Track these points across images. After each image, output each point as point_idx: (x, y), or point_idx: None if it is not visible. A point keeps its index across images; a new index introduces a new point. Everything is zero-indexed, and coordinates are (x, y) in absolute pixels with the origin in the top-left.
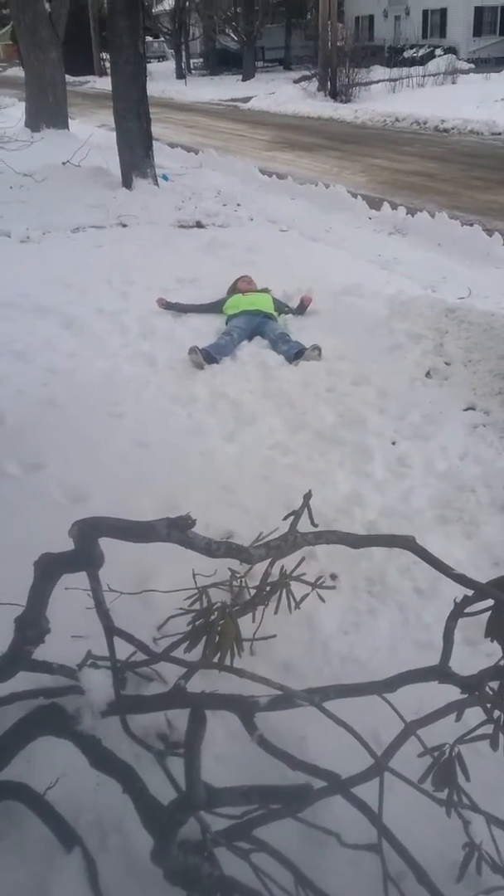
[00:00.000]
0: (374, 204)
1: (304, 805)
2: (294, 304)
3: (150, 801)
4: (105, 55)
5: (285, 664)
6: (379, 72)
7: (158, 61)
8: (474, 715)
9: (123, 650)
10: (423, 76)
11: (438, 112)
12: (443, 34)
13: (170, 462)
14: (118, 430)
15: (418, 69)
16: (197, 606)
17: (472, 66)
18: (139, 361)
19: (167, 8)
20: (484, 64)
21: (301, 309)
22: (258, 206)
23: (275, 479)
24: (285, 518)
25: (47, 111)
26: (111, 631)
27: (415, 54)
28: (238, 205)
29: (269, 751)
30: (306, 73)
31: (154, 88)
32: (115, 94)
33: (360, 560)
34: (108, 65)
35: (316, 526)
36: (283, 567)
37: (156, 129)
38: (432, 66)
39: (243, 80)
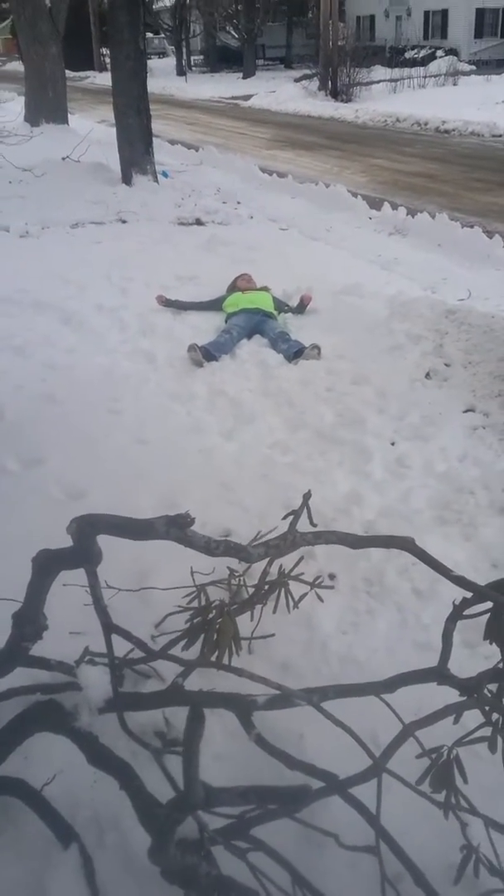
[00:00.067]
0: (375, 204)
1: (301, 805)
2: (294, 302)
3: (147, 798)
4: (105, 50)
5: (284, 663)
6: (380, 72)
7: (159, 58)
8: (473, 717)
9: (121, 647)
10: (424, 77)
11: (439, 113)
12: (444, 35)
13: (169, 459)
14: (117, 427)
15: (419, 70)
16: (195, 604)
17: (474, 67)
18: (138, 358)
19: (168, 4)
20: (485, 66)
21: (301, 308)
22: (258, 205)
23: (274, 477)
24: (285, 517)
25: (47, 106)
26: (109, 628)
27: (416, 55)
28: (238, 203)
29: (266, 750)
30: (307, 71)
31: (154, 85)
32: (115, 90)
33: (358, 560)
34: (108, 60)
35: (315, 526)
36: (281, 566)
37: (156, 125)
38: (433, 67)
39: (244, 77)
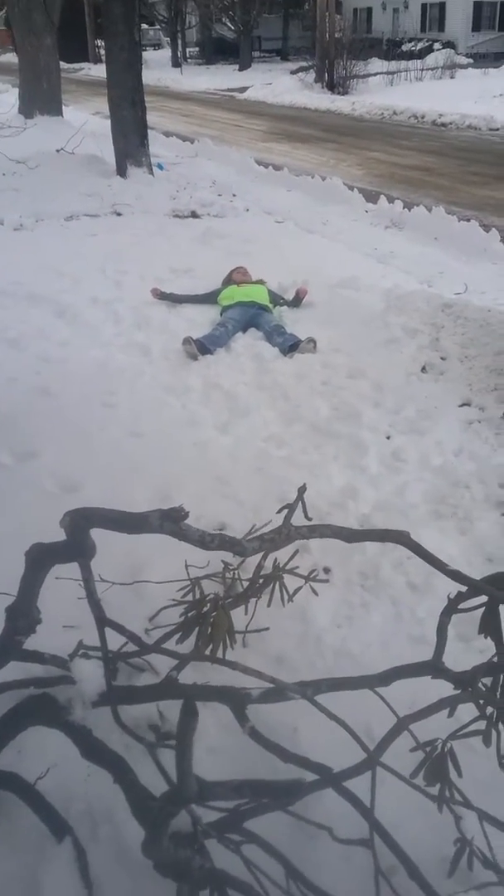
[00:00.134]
0: (371, 197)
1: (295, 799)
2: (289, 296)
3: (140, 791)
4: (100, 42)
5: (278, 657)
6: (377, 64)
7: (154, 49)
8: (467, 711)
9: (115, 641)
10: (422, 70)
11: (436, 106)
12: (441, 28)
13: (163, 453)
14: (112, 420)
15: (416, 63)
16: (190, 598)
17: (471, 60)
18: (133, 351)
19: None
20: (482, 59)
21: (296, 301)
22: (254, 197)
23: (269, 471)
24: (279, 511)
25: (41, 98)
26: (102, 622)
27: (413, 48)
28: (234, 195)
29: (260, 743)
30: (304, 64)
31: (149, 76)
32: (110, 82)
33: (353, 554)
34: (103, 52)
35: (310, 519)
36: (276, 560)
37: (151, 117)
38: (430, 60)
39: (240, 69)
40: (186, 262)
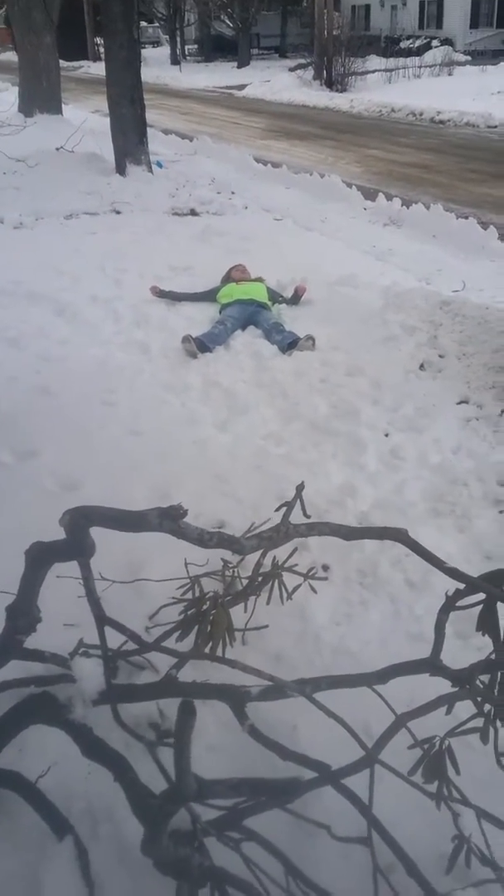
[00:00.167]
0: (369, 195)
1: (293, 797)
2: (288, 293)
3: (141, 790)
4: (99, 40)
5: (277, 654)
6: (375, 62)
7: (153, 47)
8: (465, 708)
9: (116, 639)
10: (420, 67)
11: (434, 103)
12: (439, 25)
13: (163, 451)
14: (111, 419)
15: (415, 60)
16: (189, 596)
17: (469, 58)
18: (132, 349)
19: None
20: (480, 56)
21: (295, 299)
22: (252, 195)
23: (267, 469)
24: (277, 509)
25: (41, 96)
26: (102, 620)
27: (411, 45)
28: (232, 193)
29: (260, 741)
30: (302, 61)
31: (148, 74)
32: (109, 80)
33: (352, 552)
34: (102, 50)
35: (308, 517)
36: (275, 557)
37: (150, 115)
38: (429, 57)
39: (238, 67)
40: (185, 259)
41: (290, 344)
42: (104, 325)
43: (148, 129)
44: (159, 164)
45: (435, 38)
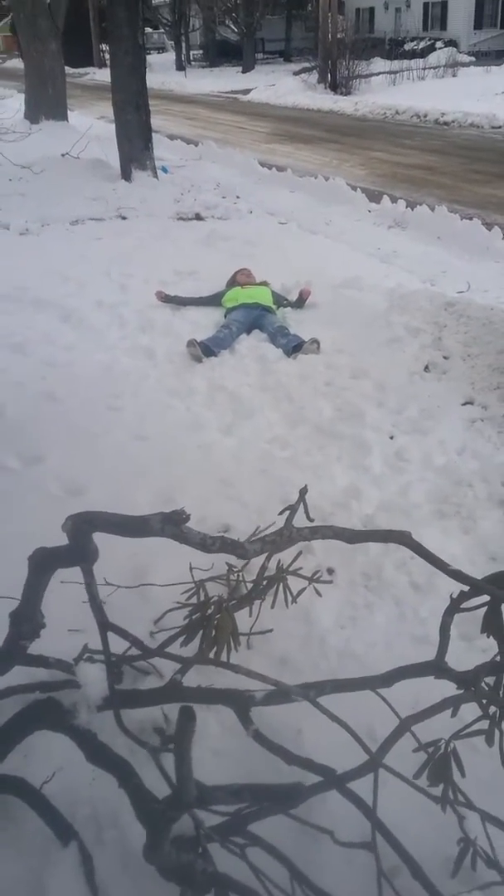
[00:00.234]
0: (374, 197)
1: (296, 802)
2: (293, 297)
3: (145, 795)
4: (105, 46)
5: (282, 658)
6: (379, 64)
7: (158, 53)
8: (470, 711)
9: (121, 644)
10: (424, 69)
11: (438, 105)
12: (443, 27)
13: (168, 455)
14: (117, 424)
15: (419, 62)
16: (194, 600)
17: (473, 59)
18: (138, 354)
19: None
20: (484, 57)
21: (300, 302)
22: (257, 199)
23: (273, 472)
24: (281, 513)
25: (46, 103)
26: (105, 626)
27: (415, 47)
28: (237, 197)
29: (264, 745)
30: (306, 65)
31: (153, 80)
32: (115, 86)
33: (356, 554)
34: (107, 56)
35: (312, 520)
36: (279, 561)
37: (155, 120)
38: (433, 58)
39: (243, 71)
40: (190, 264)
41: (294, 347)
42: (109, 331)
43: (153, 135)
44: (164, 170)
45: (439, 39)
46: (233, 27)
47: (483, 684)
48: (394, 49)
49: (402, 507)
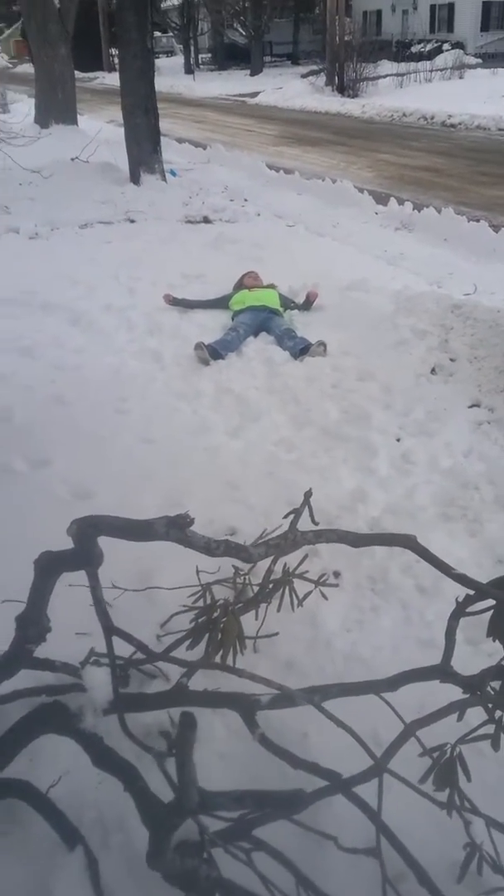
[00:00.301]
0: (381, 199)
1: (299, 808)
2: (300, 299)
3: (151, 799)
4: (114, 51)
5: (288, 662)
6: (386, 66)
7: (167, 56)
8: (476, 715)
9: (127, 648)
10: (431, 71)
11: (445, 107)
12: (450, 29)
13: (175, 458)
14: (124, 427)
15: (426, 64)
16: (200, 604)
17: (480, 61)
18: (146, 357)
19: (175, 3)
20: (491, 59)
21: (307, 305)
22: (265, 202)
23: (279, 475)
24: (286, 516)
25: (56, 107)
26: (110, 630)
27: (422, 49)
28: (245, 200)
29: (270, 749)
30: (314, 67)
31: (162, 83)
32: (124, 90)
33: (362, 558)
34: (116, 60)
35: (317, 524)
36: (285, 564)
37: (164, 124)
38: (440, 60)
39: (251, 74)
40: (198, 267)
41: (301, 350)
42: (118, 334)
43: (162, 138)
44: (173, 173)
45: (446, 41)
46: (241, 30)
47: (489, 688)
48: (401, 51)
49: (408, 509)
